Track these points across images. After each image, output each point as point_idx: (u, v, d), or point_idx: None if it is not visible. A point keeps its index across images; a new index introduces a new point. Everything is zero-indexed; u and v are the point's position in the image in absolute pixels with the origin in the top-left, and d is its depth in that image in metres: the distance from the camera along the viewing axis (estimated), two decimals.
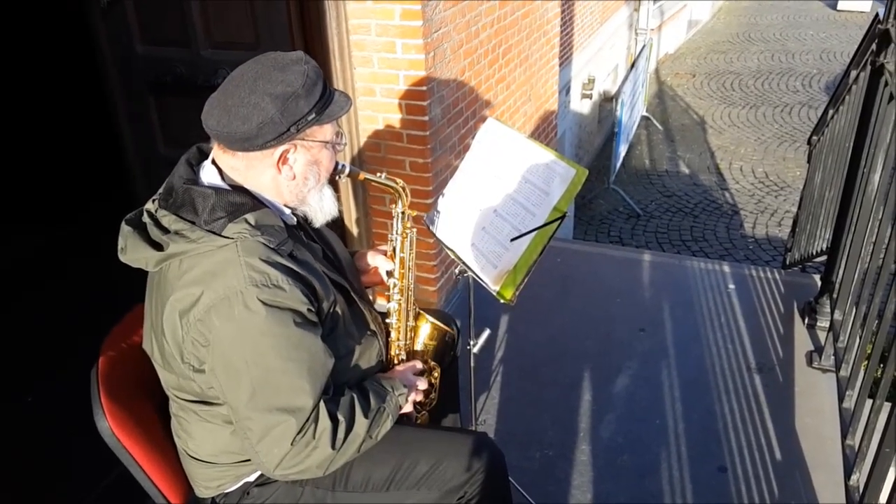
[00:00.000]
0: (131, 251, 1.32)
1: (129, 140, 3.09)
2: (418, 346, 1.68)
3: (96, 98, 3.15)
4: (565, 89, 6.34)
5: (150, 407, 1.50)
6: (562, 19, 4.83)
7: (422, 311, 1.69)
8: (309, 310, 1.29)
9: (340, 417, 1.32)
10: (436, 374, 1.69)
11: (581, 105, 7.31)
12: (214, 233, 1.25)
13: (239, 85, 1.26)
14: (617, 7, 8.23)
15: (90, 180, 3.98)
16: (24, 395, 2.67)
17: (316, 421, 1.29)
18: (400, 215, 1.61)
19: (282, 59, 1.29)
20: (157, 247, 1.28)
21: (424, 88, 2.63)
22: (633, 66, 7.39)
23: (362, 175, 1.53)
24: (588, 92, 7.39)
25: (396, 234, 1.61)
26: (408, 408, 1.53)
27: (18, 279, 3.42)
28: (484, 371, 2.71)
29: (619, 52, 8.82)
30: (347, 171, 1.48)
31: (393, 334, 1.62)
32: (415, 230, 1.63)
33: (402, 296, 1.62)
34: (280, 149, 1.30)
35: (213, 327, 1.23)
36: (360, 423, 1.34)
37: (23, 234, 3.79)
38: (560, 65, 4.40)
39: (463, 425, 2.03)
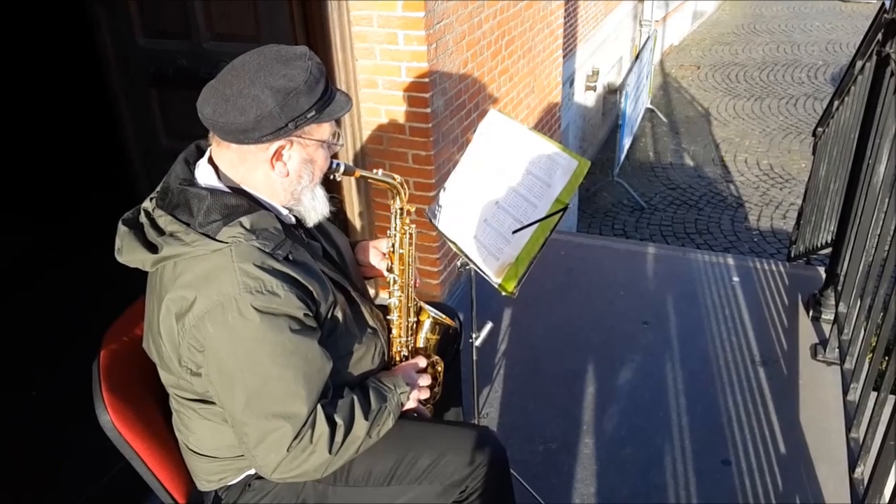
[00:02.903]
0: (127, 252, 1.31)
1: (131, 133, 3.08)
2: (420, 342, 1.66)
3: (97, 90, 3.14)
4: (569, 81, 6.31)
5: (151, 400, 1.49)
6: (565, 10, 4.80)
7: (424, 306, 1.67)
8: (306, 314, 1.28)
9: (339, 421, 1.31)
10: (439, 368, 1.68)
11: (585, 97, 7.28)
12: (209, 236, 1.23)
13: (239, 75, 1.24)
14: None
15: (91, 173, 3.97)
16: (28, 389, 2.67)
17: (313, 426, 1.28)
18: (398, 211, 1.57)
19: (285, 52, 1.26)
20: (153, 248, 1.27)
21: (427, 80, 2.62)
22: (637, 57, 7.36)
23: (358, 172, 1.49)
24: (592, 84, 7.36)
25: (395, 230, 1.58)
26: (411, 405, 1.52)
27: (18, 273, 3.41)
28: (486, 364, 2.70)
29: (623, 43, 8.78)
30: (342, 169, 1.44)
31: (394, 331, 1.61)
32: (414, 226, 1.60)
33: (402, 292, 1.60)
34: (276, 144, 1.27)
35: (208, 334, 1.22)
36: (360, 425, 1.33)
37: (23, 227, 3.78)
38: (564, 56, 4.38)
39: (465, 419, 2.03)
